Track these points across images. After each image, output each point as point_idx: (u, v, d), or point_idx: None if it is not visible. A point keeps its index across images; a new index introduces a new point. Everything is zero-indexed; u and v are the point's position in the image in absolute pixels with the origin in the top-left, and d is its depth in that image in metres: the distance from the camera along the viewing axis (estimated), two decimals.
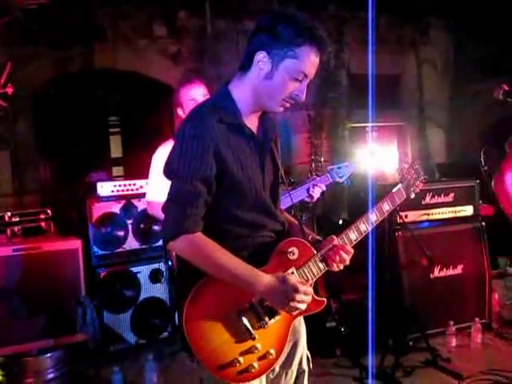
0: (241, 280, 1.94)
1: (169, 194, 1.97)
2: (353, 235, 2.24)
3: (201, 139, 1.90)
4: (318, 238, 2.23)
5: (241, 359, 1.99)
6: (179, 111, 3.55)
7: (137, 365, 4.33)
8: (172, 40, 7.26)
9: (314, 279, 2.13)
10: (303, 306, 1.99)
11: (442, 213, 4.80)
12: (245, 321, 1.98)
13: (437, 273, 4.68)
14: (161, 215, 2.02)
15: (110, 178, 4.99)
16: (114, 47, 6.99)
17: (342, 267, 2.16)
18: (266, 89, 1.96)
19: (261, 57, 1.93)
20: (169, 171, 1.98)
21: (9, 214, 4.20)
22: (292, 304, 1.95)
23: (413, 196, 2.60)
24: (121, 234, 4.63)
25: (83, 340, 3.90)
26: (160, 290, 4.73)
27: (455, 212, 4.84)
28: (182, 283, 2.06)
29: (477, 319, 4.62)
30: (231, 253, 1.95)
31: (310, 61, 1.94)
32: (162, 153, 3.50)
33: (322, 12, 7.57)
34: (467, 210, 4.88)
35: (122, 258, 4.62)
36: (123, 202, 4.62)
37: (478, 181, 4.90)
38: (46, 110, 6.92)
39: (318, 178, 3.80)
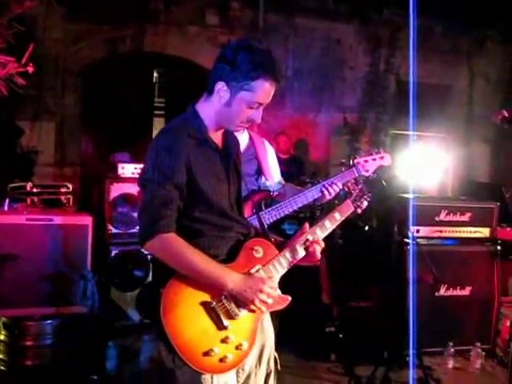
0: (211, 277, 2.10)
1: (143, 200, 2.14)
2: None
3: (174, 150, 2.12)
4: (282, 240, 2.42)
5: (215, 349, 2.10)
6: None
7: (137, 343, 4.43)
8: (223, 30, 7.34)
9: (278, 277, 2.26)
10: (270, 300, 2.15)
11: (456, 232, 4.69)
12: (217, 310, 2.12)
13: (443, 292, 4.59)
14: None
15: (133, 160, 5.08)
16: (165, 31, 7.16)
17: None
18: (225, 114, 2.20)
19: (220, 87, 2.13)
20: (144, 180, 2.16)
21: (30, 184, 4.38)
22: (261, 296, 2.12)
23: (359, 211, 2.62)
24: (136, 215, 4.75)
25: (80, 312, 4.04)
26: None
27: (470, 232, 4.72)
28: (161, 272, 2.16)
29: (478, 344, 4.51)
30: (202, 251, 2.11)
31: (264, 92, 2.15)
32: None
33: (377, 16, 7.52)
34: (483, 232, 4.73)
35: (135, 239, 4.74)
36: None
37: (498, 203, 4.78)
38: (94, 86, 7.16)
39: (341, 174, 3.39)
